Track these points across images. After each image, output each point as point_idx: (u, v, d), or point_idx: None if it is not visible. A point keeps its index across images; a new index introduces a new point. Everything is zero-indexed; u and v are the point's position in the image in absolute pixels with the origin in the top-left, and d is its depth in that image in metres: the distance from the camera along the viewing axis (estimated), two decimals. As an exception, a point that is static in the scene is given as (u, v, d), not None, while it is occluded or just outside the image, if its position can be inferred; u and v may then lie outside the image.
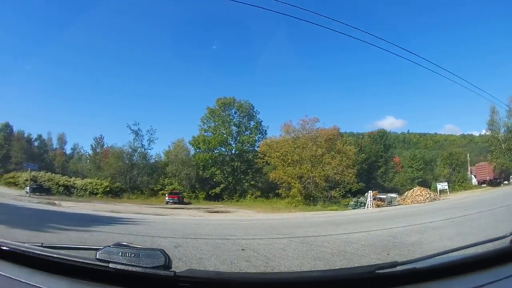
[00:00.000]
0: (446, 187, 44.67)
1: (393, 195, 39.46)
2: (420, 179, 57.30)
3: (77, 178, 47.10)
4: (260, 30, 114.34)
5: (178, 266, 1.52)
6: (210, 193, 48.81)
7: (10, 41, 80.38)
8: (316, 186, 41.74)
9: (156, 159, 55.56)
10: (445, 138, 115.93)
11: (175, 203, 39.23)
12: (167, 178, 49.96)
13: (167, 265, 1.44)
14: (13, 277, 1.47)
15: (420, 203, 33.44)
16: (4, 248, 1.68)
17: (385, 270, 1.50)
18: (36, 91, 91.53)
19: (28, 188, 36.76)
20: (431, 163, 66.36)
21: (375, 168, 59.25)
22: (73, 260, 1.52)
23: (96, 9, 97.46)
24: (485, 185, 53.20)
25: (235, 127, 52.63)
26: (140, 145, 49.75)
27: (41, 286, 1.39)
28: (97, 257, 1.47)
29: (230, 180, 49.63)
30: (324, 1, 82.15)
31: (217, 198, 47.71)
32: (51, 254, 1.59)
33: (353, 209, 34.00)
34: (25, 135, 60.33)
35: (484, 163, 55.54)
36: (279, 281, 1.70)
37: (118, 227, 12.97)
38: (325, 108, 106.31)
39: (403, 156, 70.69)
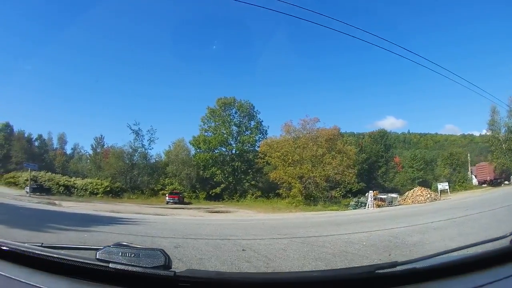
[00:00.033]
0: (447, 187, 44.62)
1: (393, 195, 39.46)
2: (421, 179, 57.26)
3: (77, 178, 47.07)
4: (260, 30, 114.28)
5: (178, 267, 1.52)
6: (210, 193, 48.78)
7: (10, 41, 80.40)
8: (317, 186, 41.71)
9: (157, 159, 55.64)
10: (446, 138, 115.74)
11: (175, 203, 39.23)
12: (167, 178, 49.97)
13: (167, 265, 1.44)
14: (13, 277, 1.47)
15: (420, 203, 33.39)
16: (4, 248, 1.68)
17: (385, 270, 1.50)
18: (36, 91, 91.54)
19: (28, 188, 36.77)
20: (432, 163, 66.33)
21: (375, 168, 59.25)
22: (73, 260, 1.52)
23: (96, 9, 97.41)
24: (485, 185, 53.10)
25: (236, 127, 52.65)
26: (141, 145, 49.86)
27: (41, 286, 1.39)
28: (97, 257, 1.47)
29: (231, 180, 49.60)
30: (324, 1, 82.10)
31: (217, 198, 47.68)
32: (51, 254, 1.60)
33: (353, 209, 33.99)
34: (26, 135, 60.33)
35: (485, 163, 55.46)
36: (279, 281, 1.70)
37: (118, 227, 12.97)
38: (326, 108, 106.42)
39: (404, 156, 70.68)
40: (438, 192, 41.16)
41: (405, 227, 12.01)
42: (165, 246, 7.54)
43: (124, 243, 1.70)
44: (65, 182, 44.10)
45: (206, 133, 52.81)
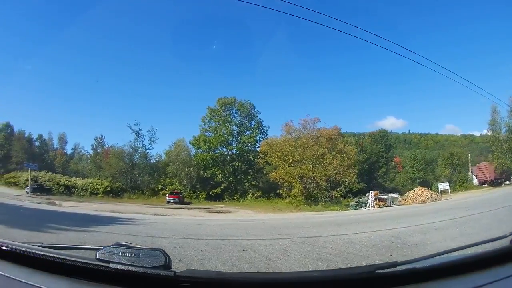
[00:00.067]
0: (447, 187, 44.59)
1: (394, 195, 39.41)
2: (421, 179, 57.26)
3: (77, 178, 47.12)
4: (260, 30, 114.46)
5: (178, 268, 1.52)
6: (211, 193, 48.84)
7: (10, 41, 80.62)
8: (317, 186, 41.66)
9: (157, 159, 55.77)
10: (446, 138, 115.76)
11: (176, 203, 39.26)
12: (168, 178, 50.04)
13: (167, 265, 1.44)
14: (13, 277, 1.47)
15: (421, 203, 33.38)
16: (4, 248, 1.68)
17: (385, 270, 1.49)
18: (37, 91, 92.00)
19: (28, 188, 36.76)
20: (432, 163, 66.31)
21: (376, 168, 59.26)
22: (73, 260, 1.52)
23: (96, 9, 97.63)
24: (486, 185, 53.09)
25: (236, 127, 52.70)
26: (141, 145, 49.92)
27: (41, 286, 1.40)
28: (97, 257, 1.47)
29: (231, 180, 49.62)
30: (324, 1, 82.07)
31: (218, 198, 47.72)
32: (51, 254, 1.60)
33: (354, 209, 34.00)
34: (26, 135, 60.47)
35: (485, 163, 55.44)
36: (279, 281, 1.70)
37: (118, 227, 12.98)
38: (326, 108, 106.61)
39: (404, 156, 70.71)
40: (438, 192, 41.11)
41: (406, 227, 11.98)
42: (165, 246, 7.51)
43: (124, 243, 1.70)
44: (66, 182, 44.12)
45: (206, 133, 52.95)
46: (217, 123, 52.35)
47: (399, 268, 1.52)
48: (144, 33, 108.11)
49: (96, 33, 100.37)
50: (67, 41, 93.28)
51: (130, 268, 1.40)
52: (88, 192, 43.28)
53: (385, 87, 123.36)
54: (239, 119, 52.87)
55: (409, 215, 19.16)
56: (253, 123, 53.17)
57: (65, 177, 46.28)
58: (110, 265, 1.41)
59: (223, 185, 48.96)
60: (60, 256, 1.57)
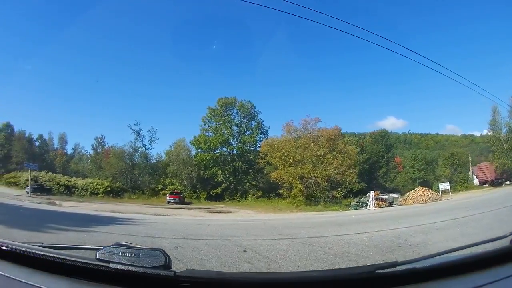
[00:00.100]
0: (448, 187, 44.57)
1: (394, 195, 39.31)
2: (422, 180, 57.19)
3: (78, 178, 47.18)
4: (260, 30, 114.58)
5: (178, 268, 1.51)
6: (211, 193, 48.84)
7: (10, 41, 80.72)
8: (318, 186, 41.67)
9: (157, 159, 55.82)
10: (446, 139, 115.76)
11: (176, 203, 39.26)
12: (168, 178, 50.07)
13: (167, 265, 1.43)
14: (13, 277, 1.47)
15: (422, 203, 33.36)
16: (4, 248, 1.68)
17: (385, 270, 1.49)
18: (37, 91, 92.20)
19: (28, 188, 36.76)
20: (433, 164, 66.25)
21: (376, 168, 59.24)
22: (73, 260, 1.52)
23: (96, 9, 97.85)
24: (486, 185, 53.04)
25: (237, 127, 52.70)
26: (141, 145, 49.96)
27: (41, 286, 1.40)
28: (97, 257, 1.47)
29: (232, 180, 49.62)
30: (324, 1, 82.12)
31: (218, 198, 47.72)
32: (51, 254, 1.60)
33: (354, 209, 33.97)
34: (26, 135, 60.54)
35: (486, 164, 55.41)
36: (279, 281, 1.70)
37: (118, 227, 12.96)
38: (326, 108, 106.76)
39: (405, 157, 70.69)
40: (439, 192, 41.09)
41: (408, 228, 11.95)
42: (165, 246, 7.48)
43: (124, 243, 1.70)
44: (66, 182, 44.15)
45: (207, 133, 52.96)
46: (218, 123, 52.39)
47: (399, 268, 1.52)
48: (144, 33, 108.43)
49: (96, 33, 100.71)
50: (67, 41, 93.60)
51: (130, 268, 1.39)
52: (88, 192, 43.28)
53: (386, 87, 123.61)
54: (239, 119, 52.94)
55: (410, 215, 19.14)
56: (253, 123, 53.27)
57: (65, 177, 46.32)
58: (110, 265, 1.41)
59: (223, 185, 48.95)
60: (60, 256, 1.57)
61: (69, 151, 72.23)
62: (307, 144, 43.24)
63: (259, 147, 50.15)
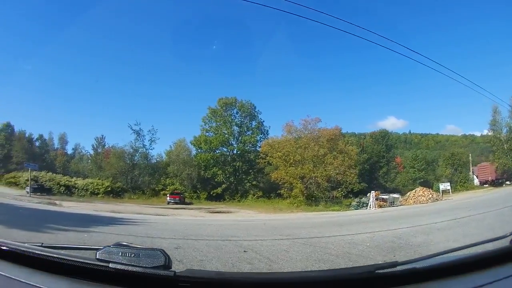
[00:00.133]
0: (449, 187, 44.59)
1: (395, 195, 39.27)
2: (422, 180, 57.23)
3: (78, 178, 47.23)
4: (260, 30, 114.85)
5: (178, 269, 1.51)
6: (211, 193, 48.88)
7: (10, 41, 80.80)
8: (318, 186, 41.62)
9: (158, 159, 55.90)
10: (447, 139, 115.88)
11: (176, 203, 39.30)
12: (168, 178, 50.11)
13: (167, 265, 1.43)
14: (13, 277, 1.47)
15: (422, 203, 33.35)
16: (4, 248, 1.68)
17: (385, 270, 1.49)
18: (37, 91, 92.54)
19: (29, 188, 36.74)
20: (433, 164, 66.30)
21: (377, 169, 59.27)
22: (73, 260, 1.52)
23: (96, 9, 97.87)
24: (487, 185, 53.01)
25: (237, 127, 52.74)
26: (142, 145, 50.05)
27: (41, 286, 1.40)
28: (97, 257, 1.47)
29: (232, 180, 49.66)
30: (324, 1, 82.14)
31: (218, 198, 47.77)
32: (51, 254, 1.60)
33: (355, 209, 33.96)
34: (26, 135, 60.56)
35: (486, 164, 55.42)
36: (279, 281, 1.70)
37: (118, 227, 12.94)
38: (327, 108, 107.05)
39: (405, 157, 70.78)
40: (440, 192, 41.09)
41: (409, 228, 11.89)
42: (165, 247, 7.42)
43: (124, 243, 1.70)
44: (66, 182, 44.21)
45: (207, 133, 53.02)
46: (218, 123, 52.42)
47: (399, 268, 1.52)
48: (144, 33, 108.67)
49: (96, 33, 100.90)
50: (67, 41, 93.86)
51: (130, 268, 1.39)
52: (88, 192, 43.34)
53: (386, 87, 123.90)
54: (240, 119, 52.98)
55: (411, 215, 19.10)
56: (254, 123, 53.31)
57: (65, 177, 46.38)
58: (110, 265, 1.41)
59: (223, 185, 48.99)
60: (60, 256, 1.57)
61: (70, 151, 72.49)
62: (308, 144, 43.25)
63: (260, 147, 50.14)
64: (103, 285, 1.45)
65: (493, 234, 2.03)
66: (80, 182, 45.21)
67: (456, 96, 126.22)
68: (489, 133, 55.48)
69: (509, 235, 1.84)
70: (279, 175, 42.60)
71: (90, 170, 54.05)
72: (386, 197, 36.89)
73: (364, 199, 36.38)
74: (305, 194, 41.46)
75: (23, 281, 1.44)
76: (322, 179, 41.21)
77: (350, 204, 38.05)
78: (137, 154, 50.03)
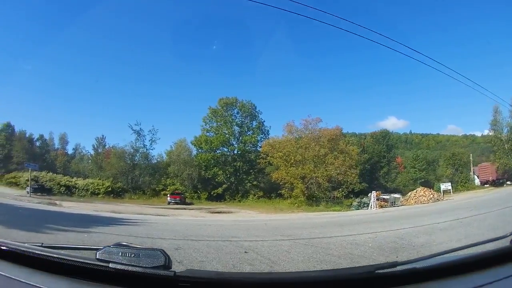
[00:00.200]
0: (450, 187, 44.55)
1: (396, 195, 39.21)
2: (423, 180, 57.21)
3: (78, 178, 47.23)
4: (260, 30, 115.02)
5: (178, 269, 1.51)
6: (212, 193, 48.83)
7: (10, 41, 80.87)
8: (319, 186, 41.58)
9: (158, 159, 55.92)
10: (448, 139, 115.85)
11: (177, 203, 39.26)
12: (169, 179, 50.06)
13: (167, 265, 1.43)
14: (13, 277, 1.47)
15: (423, 203, 33.34)
16: (4, 248, 1.68)
17: (385, 270, 1.49)
18: (37, 91, 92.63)
19: (29, 188, 36.74)
20: (434, 164, 66.24)
21: (377, 169, 59.22)
22: (73, 260, 1.52)
23: (96, 9, 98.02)
24: (488, 185, 52.94)
25: (238, 127, 52.72)
26: (142, 145, 50.02)
27: (41, 286, 1.40)
28: (97, 257, 1.47)
29: (233, 181, 49.64)
30: (324, 1, 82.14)
31: (219, 198, 47.72)
32: (51, 254, 1.60)
33: (356, 209, 33.91)
34: (27, 135, 60.65)
35: (487, 164, 55.34)
36: (279, 281, 1.70)
37: (118, 228, 12.94)
38: (327, 108, 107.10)
39: (406, 157, 70.73)
40: (441, 192, 41.05)
41: (411, 228, 11.87)
42: (166, 247, 7.31)
43: (124, 243, 1.70)
44: (66, 182, 44.21)
45: (208, 133, 52.97)
46: (219, 123, 52.42)
47: (399, 268, 1.52)
48: (144, 33, 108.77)
49: (96, 33, 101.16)
50: (67, 41, 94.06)
51: (130, 268, 1.39)
52: (89, 193, 43.35)
53: (387, 87, 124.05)
54: (240, 119, 52.96)
55: (413, 215, 19.09)
56: (254, 123, 53.26)
57: (66, 177, 46.38)
58: (110, 265, 1.41)
59: (224, 186, 48.94)
60: (60, 256, 1.57)
61: (70, 151, 72.59)
62: (308, 144, 43.23)
63: (260, 147, 50.03)
64: (103, 285, 1.45)
65: (495, 234, 2.02)
66: (80, 182, 45.20)
67: (457, 96, 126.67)
68: (490, 133, 55.38)
69: (509, 235, 1.84)
70: (279, 175, 42.57)
71: (90, 170, 54.11)
72: (387, 197, 36.82)
73: (365, 199, 36.30)
74: (306, 194, 41.43)
75: (23, 281, 1.45)
76: (323, 179, 41.18)
77: (351, 204, 37.98)
78: (137, 154, 50.09)
